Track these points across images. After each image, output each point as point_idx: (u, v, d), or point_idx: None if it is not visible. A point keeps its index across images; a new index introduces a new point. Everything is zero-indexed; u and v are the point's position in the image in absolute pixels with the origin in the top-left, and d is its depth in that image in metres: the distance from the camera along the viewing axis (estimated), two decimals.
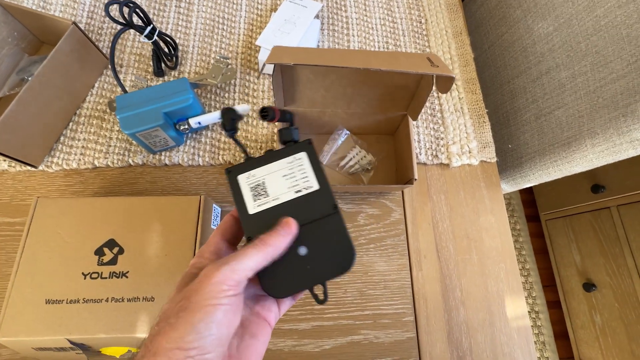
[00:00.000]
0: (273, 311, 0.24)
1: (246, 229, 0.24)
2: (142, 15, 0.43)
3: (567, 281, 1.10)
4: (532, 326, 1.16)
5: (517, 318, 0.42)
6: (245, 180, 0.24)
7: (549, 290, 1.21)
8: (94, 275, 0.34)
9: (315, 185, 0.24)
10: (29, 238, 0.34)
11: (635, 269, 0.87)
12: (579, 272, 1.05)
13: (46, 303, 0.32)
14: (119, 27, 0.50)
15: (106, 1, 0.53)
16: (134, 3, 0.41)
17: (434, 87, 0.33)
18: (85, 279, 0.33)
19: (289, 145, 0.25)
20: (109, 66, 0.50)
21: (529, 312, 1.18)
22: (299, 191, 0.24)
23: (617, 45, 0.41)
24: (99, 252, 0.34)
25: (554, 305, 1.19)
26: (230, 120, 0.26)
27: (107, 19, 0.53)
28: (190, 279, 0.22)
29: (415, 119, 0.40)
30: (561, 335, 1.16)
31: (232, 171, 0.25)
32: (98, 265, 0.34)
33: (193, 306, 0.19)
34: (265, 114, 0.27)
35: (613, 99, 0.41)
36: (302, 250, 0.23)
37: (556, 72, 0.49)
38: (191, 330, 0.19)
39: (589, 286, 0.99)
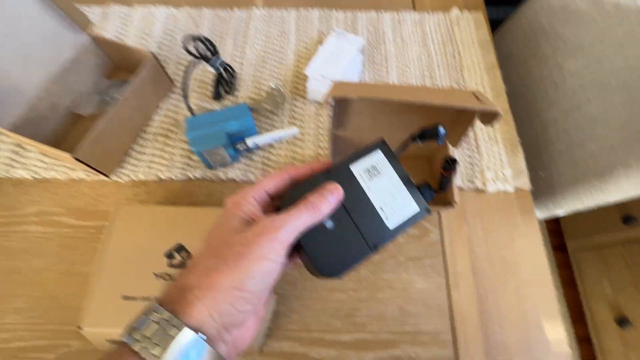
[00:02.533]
0: (286, 263, 0.25)
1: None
2: (211, 48, 0.49)
3: (598, 315, 1.06)
4: None
5: (556, 343, 0.42)
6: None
7: (578, 324, 1.16)
8: (165, 277, 0.37)
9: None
10: (111, 240, 0.39)
11: None
12: (610, 306, 1.02)
13: (123, 299, 0.36)
14: (186, 54, 0.57)
15: (176, 39, 0.60)
16: (207, 39, 0.47)
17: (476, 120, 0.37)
18: (156, 279, 0.37)
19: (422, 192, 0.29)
20: (173, 89, 0.56)
21: None
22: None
23: None
24: (169, 255, 0.38)
25: (584, 341, 1.14)
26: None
27: (174, 48, 0.60)
28: (235, 219, 0.23)
29: (455, 146, 0.43)
30: None
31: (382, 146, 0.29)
32: (168, 267, 0.38)
33: (253, 256, 0.21)
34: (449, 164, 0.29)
35: None
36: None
37: (587, 107, 0.52)
38: (250, 275, 0.20)
39: (622, 322, 0.95)
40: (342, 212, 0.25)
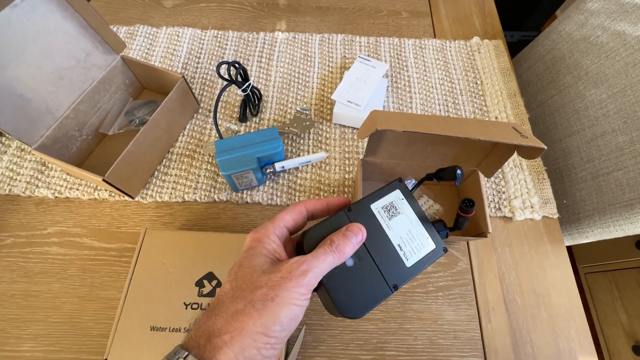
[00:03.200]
0: None
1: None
2: (242, 73, 0.49)
3: (614, 342, 1.04)
4: None
5: None
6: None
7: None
8: (194, 306, 0.36)
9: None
10: (138, 266, 0.38)
11: None
12: (626, 332, 1.00)
13: (151, 330, 0.35)
14: (211, 75, 0.57)
15: (200, 60, 0.61)
16: (239, 64, 0.47)
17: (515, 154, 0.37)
18: (186, 309, 0.36)
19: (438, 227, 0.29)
20: (199, 111, 0.57)
21: None
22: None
23: None
24: (199, 283, 0.37)
25: None
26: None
27: (199, 69, 0.61)
28: (260, 258, 0.23)
29: (489, 177, 0.43)
30: None
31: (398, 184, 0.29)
32: (198, 296, 0.37)
33: (280, 300, 0.20)
34: (468, 206, 0.30)
35: None
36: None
37: (612, 137, 0.52)
38: (277, 321, 0.20)
39: (639, 349, 0.93)
40: (362, 251, 0.26)
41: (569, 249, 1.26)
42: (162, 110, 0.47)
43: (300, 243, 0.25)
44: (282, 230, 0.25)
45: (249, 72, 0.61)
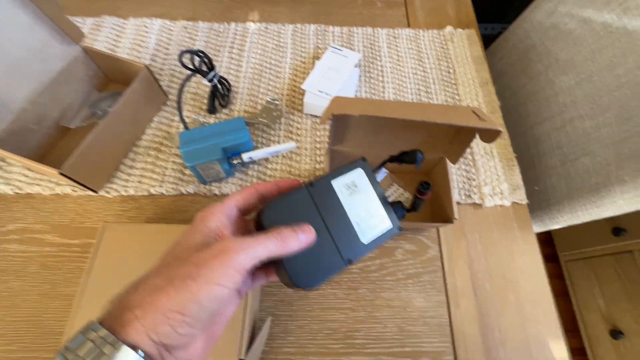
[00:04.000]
0: (247, 284, 0.26)
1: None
2: (207, 62, 0.48)
3: (592, 327, 1.06)
4: None
5: None
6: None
7: (572, 335, 1.16)
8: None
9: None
10: (96, 263, 0.37)
11: None
12: (604, 317, 1.02)
13: None
14: (180, 67, 0.56)
15: (169, 52, 0.60)
16: (203, 52, 0.46)
17: (476, 137, 0.37)
18: None
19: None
20: (167, 102, 0.55)
21: None
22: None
23: (639, 101, 0.45)
24: None
25: (579, 353, 1.13)
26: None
27: (168, 60, 0.59)
28: (198, 235, 0.22)
29: (454, 163, 0.43)
30: None
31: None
32: None
33: (202, 279, 0.19)
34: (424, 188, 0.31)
35: None
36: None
37: (580, 122, 0.53)
38: (195, 301, 0.19)
39: (616, 333, 0.96)
40: (320, 225, 0.26)
41: (550, 237, 1.29)
42: (125, 101, 0.46)
43: (260, 212, 0.26)
44: (230, 210, 0.25)
45: (219, 63, 0.60)
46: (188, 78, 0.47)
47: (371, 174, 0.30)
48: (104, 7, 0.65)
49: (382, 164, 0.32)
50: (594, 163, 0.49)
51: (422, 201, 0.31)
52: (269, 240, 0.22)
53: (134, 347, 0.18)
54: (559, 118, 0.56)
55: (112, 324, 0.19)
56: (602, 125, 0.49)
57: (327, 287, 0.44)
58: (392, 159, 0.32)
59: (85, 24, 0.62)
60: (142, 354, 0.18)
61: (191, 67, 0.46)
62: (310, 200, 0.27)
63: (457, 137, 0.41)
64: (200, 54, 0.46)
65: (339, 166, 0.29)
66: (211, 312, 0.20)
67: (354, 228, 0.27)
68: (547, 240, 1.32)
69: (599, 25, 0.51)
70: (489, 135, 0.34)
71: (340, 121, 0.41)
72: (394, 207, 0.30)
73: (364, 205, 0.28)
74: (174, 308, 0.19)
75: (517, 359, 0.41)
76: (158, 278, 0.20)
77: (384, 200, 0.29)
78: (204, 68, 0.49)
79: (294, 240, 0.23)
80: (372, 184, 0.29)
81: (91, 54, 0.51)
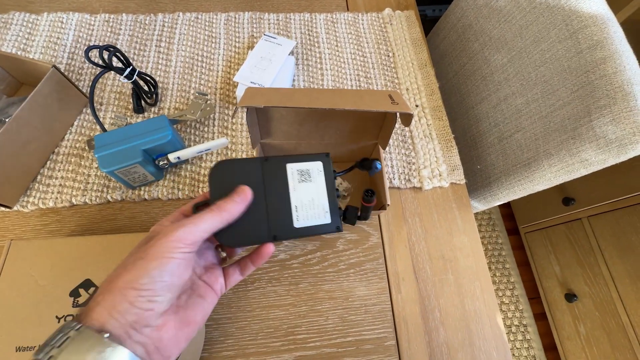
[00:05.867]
0: (219, 282, 0.28)
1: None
2: (121, 57, 0.45)
3: (550, 293, 1.12)
4: (521, 340, 1.17)
5: (495, 335, 0.43)
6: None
7: (535, 302, 1.23)
8: (69, 318, 0.33)
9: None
10: (0, 283, 0.34)
11: (610, 277, 0.90)
12: (559, 283, 1.08)
13: (16, 351, 0.31)
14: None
15: (86, 46, 0.55)
16: (114, 47, 0.43)
17: (398, 121, 0.36)
18: (59, 322, 0.33)
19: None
20: (89, 105, 0.51)
21: (517, 325, 1.19)
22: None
23: (561, 75, 0.46)
24: (74, 293, 0.34)
25: (541, 318, 1.20)
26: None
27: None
28: (146, 238, 0.24)
29: (384, 148, 0.42)
30: (551, 348, 1.17)
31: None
32: (73, 307, 0.33)
33: (149, 256, 0.22)
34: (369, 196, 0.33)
35: (562, 123, 0.45)
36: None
37: (513, 99, 0.54)
38: (145, 274, 0.21)
39: (570, 297, 1.02)
40: (260, 197, 0.28)
41: (511, 212, 1.34)
42: (30, 105, 0.42)
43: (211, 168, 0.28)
44: (177, 217, 0.27)
45: (147, 58, 0.56)
46: (99, 76, 0.43)
47: (330, 171, 0.31)
48: (11, 2, 0.59)
49: (350, 169, 0.37)
50: (525, 138, 0.51)
51: (370, 208, 0.33)
52: (207, 214, 0.24)
53: (100, 329, 0.20)
54: (494, 96, 0.57)
55: (81, 316, 0.21)
56: (531, 101, 0.50)
57: (268, 285, 0.43)
58: (357, 166, 0.37)
59: None
60: (107, 335, 0.20)
61: (102, 64, 0.43)
62: (260, 172, 0.28)
63: (384, 123, 0.40)
64: (111, 49, 0.42)
65: (300, 154, 0.30)
66: (167, 285, 0.22)
67: (291, 210, 0.28)
68: (509, 215, 1.37)
69: (525, 1, 0.51)
70: (405, 119, 0.33)
71: (262, 114, 0.39)
72: (346, 212, 0.32)
73: (309, 194, 0.29)
74: (128, 285, 0.21)
75: (455, 337, 0.42)
76: (115, 271, 0.23)
77: (332, 198, 0.30)
78: (119, 64, 0.45)
79: (230, 204, 0.25)
80: (326, 179, 0.30)
81: None
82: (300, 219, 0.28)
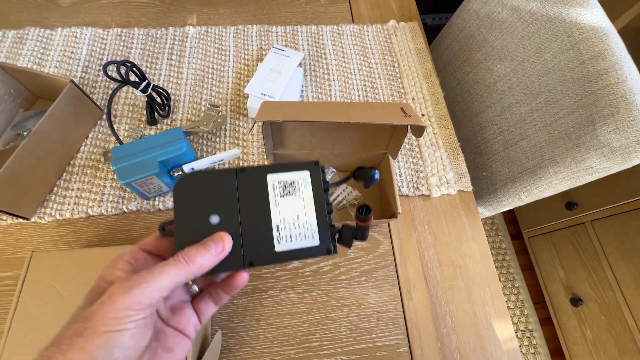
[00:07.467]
0: (192, 321, 0.23)
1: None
2: (137, 72, 0.46)
3: (555, 297, 1.12)
4: (527, 345, 1.17)
5: (505, 341, 0.43)
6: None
7: (540, 307, 1.23)
8: None
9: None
10: (23, 294, 0.35)
11: (615, 281, 0.91)
12: (564, 287, 1.08)
13: None
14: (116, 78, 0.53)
15: (103, 62, 0.57)
16: (131, 62, 0.44)
17: (409, 132, 0.37)
18: None
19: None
20: (103, 117, 0.52)
21: (523, 330, 1.19)
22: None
23: (565, 85, 0.47)
24: None
25: (547, 322, 1.20)
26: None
27: (102, 72, 0.56)
28: (97, 296, 0.20)
29: (394, 158, 0.43)
30: (557, 353, 1.16)
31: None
32: None
33: (89, 332, 0.17)
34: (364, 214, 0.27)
35: (567, 132, 0.46)
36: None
37: (517, 108, 0.55)
38: (89, 357, 0.17)
39: (576, 301, 1.02)
40: (234, 215, 0.23)
41: (514, 217, 1.35)
42: (49, 119, 0.43)
43: (176, 183, 0.23)
44: (134, 254, 0.23)
45: (158, 71, 0.57)
46: (116, 90, 0.44)
47: (319, 182, 0.25)
48: (27, 18, 0.61)
49: (346, 180, 0.31)
50: (530, 146, 0.52)
51: (367, 228, 0.27)
52: (169, 266, 0.19)
53: None
54: (499, 105, 0.58)
55: None
56: (535, 110, 0.51)
57: (281, 293, 0.44)
58: (354, 175, 0.31)
59: (6, 37, 0.58)
60: None
61: (119, 78, 0.44)
62: (235, 186, 0.23)
63: (395, 133, 0.42)
64: (128, 64, 0.44)
65: (285, 163, 0.25)
66: (116, 357, 0.18)
67: (271, 231, 0.24)
68: (512, 219, 1.38)
69: (527, 13, 0.53)
70: (416, 130, 0.34)
71: (275, 126, 0.40)
72: (342, 232, 0.26)
73: (294, 210, 0.24)
74: None
75: (467, 343, 0.43)
76: (49, 346, 0.18)
77: (322, 214, 0.25)
78: (135, 79, 0.46)
79: (201, 256, 0.20)
80: (314, 192, 0.25)
81: (9, 71, 0.47)
82: (282, 241, 0.24)
